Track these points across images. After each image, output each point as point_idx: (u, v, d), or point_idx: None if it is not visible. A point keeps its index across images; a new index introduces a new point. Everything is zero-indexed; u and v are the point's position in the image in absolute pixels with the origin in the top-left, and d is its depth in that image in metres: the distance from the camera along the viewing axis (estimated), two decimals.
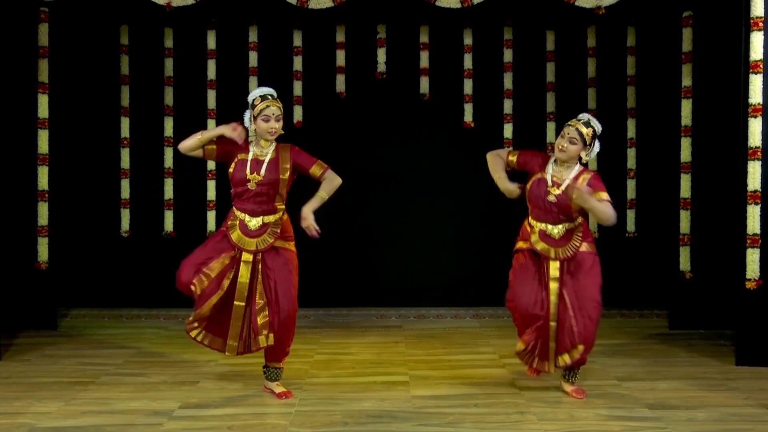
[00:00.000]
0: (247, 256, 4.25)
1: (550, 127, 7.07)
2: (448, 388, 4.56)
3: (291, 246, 4.38)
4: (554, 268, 4.35)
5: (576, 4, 5.41)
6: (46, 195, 6.10)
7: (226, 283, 4.24)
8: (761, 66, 4.95)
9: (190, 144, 4.27)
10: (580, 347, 4.29)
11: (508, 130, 7.14)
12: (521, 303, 4.39)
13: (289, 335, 4.36)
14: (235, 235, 4.27)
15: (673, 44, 6.20)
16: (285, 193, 4.35)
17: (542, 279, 4.39)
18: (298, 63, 7.09)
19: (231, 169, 4.29)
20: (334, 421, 3.98)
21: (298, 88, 7.09)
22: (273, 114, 4.26)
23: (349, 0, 5.52)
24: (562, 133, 4.39)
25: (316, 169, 4.36)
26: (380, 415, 4.07)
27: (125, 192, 7.08)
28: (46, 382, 4.68)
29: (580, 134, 4.32)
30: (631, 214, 7.10)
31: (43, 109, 6.03)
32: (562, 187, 4.31)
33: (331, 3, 5.52)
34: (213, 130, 4.37)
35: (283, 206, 4.36)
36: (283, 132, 4.36)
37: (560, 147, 4.34)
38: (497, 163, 4.51)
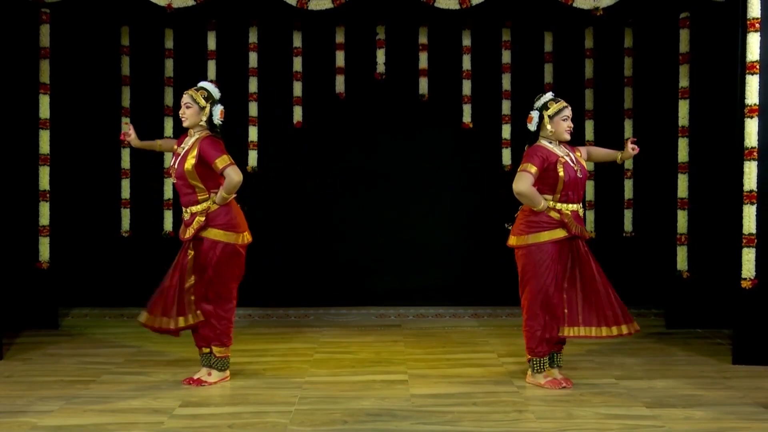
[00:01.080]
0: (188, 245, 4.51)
1: None
2: (447, 387, 4.58)
3: (215, 235, 4.40)
4: (580, 251, 4.50)
5: (574, 5, 5.43)
6: (47, 195, 6.12)
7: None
8: (758, 67, 4.97)
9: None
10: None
11: (506, 131, 7.17)
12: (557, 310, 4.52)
13: (211, 318, 4.52)
14: (181, 229, 4.53)
15: (671, 45, 6.22)
16: (203, 183, 4.38)
17: (564, 264, 4.52)
18: (297, 63, 7.11)
19: None
20: (333, 419, 4.00)
21: (298, 88, 7.11)
22: (183, 102, 4.49)
23: (349, 1, 5.54)
24: (564, 116, 4.51)
25: (218, 163, 4.33)
26: (379, 413, 4.09)
27: (125, 192, 7.10)
28: (48, 380, 4.70)
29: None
30: (628, 214, 7.13)
31: (45, 110, 6.05)
32: (576, 161, 4.51)
33: (331, 4, 5.54)
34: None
35: (207, 195, 4.41)
36: (213, 131, 4.48)
37: (570, 128, 4.53)
38: (535, 192, 4.42)
